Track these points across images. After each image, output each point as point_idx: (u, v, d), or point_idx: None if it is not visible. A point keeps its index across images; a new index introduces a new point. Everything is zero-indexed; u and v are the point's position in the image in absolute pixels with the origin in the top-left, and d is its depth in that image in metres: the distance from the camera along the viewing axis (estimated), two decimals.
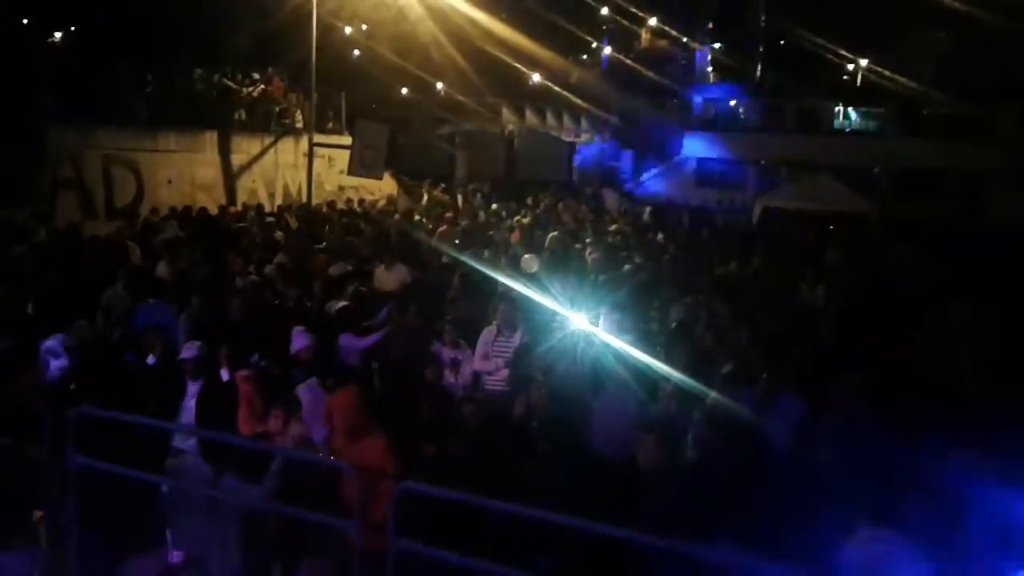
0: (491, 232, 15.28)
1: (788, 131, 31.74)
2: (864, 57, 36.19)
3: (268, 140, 20.84)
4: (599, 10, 38.50)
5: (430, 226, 15.90)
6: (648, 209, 22.29)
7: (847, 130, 33.76)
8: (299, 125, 21.54)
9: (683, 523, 4.36)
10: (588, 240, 14.28)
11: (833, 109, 33.68)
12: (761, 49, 38.66)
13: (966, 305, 8.34)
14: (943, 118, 30.05)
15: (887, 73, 33.34)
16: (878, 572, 4.01)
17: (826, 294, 10.60)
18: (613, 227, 17.88)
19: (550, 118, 34.64)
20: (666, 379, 6.52)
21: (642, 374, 6.66)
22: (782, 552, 4.19)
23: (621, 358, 6.94)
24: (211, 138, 19.40)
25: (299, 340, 7.13)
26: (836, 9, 36.82)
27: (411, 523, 4.46)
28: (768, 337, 7.97)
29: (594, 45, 39.47)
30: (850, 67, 37.78)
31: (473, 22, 29.02)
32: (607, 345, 7.28)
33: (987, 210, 25.87)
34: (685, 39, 39.64)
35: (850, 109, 34.20)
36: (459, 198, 22.31)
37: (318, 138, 20.11)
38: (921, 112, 30.52)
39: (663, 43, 40.66)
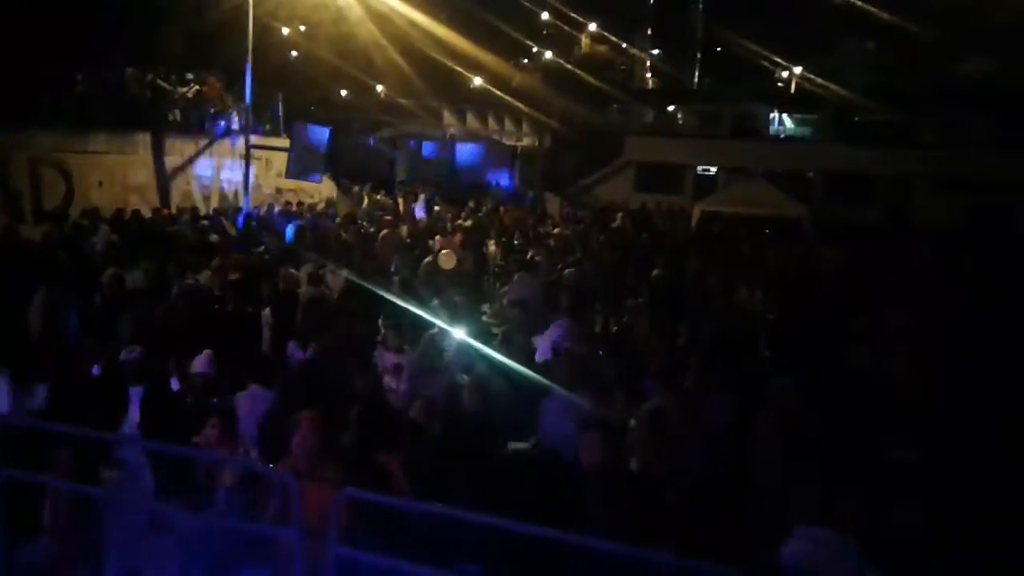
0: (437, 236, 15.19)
1: (725, 136, 32.35)
2: (798, 64, 37.09)
3: (203, 142, 20.40)
4: (539, 15, 38.70)
5: (371, 230, 15.74)
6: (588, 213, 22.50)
7: (782, 136, 34.56)
8: (235, 127, 21.13)
9: (622, 525, 4.37)
10: (518, 243, 14.26)
11: (768, 115, 34.45)
12: (699, 56, 39.33)
13: (899, 308, 8.59)
14: (873, 125, 31.01)
15: (820, 80, 34.22)
16: (816, 569, 4.09)
17: (763, 297, 10.80)
18: (555, 231, 17.97)
19: (492, 121, 34.65)
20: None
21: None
22: (723, 552, 4.24)
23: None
24: (144, 139, 18.91)
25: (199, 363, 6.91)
26: (771, 18, 37.65)
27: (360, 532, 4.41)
28: (705, 339, 8.09)
29: (535, 50, 39.64)
30: (785, 74, 38.66)
31: (414, 25, 28.89)
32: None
33: (915, 214, 26.75)
34: (624, 45, 40.10)
35: (785, 115, 35.02)
36: (400, 202, 22.16)
37: (255, 140, 19.77)
38: (853, 119, 31.42)
39: (603, 49, 41.07)
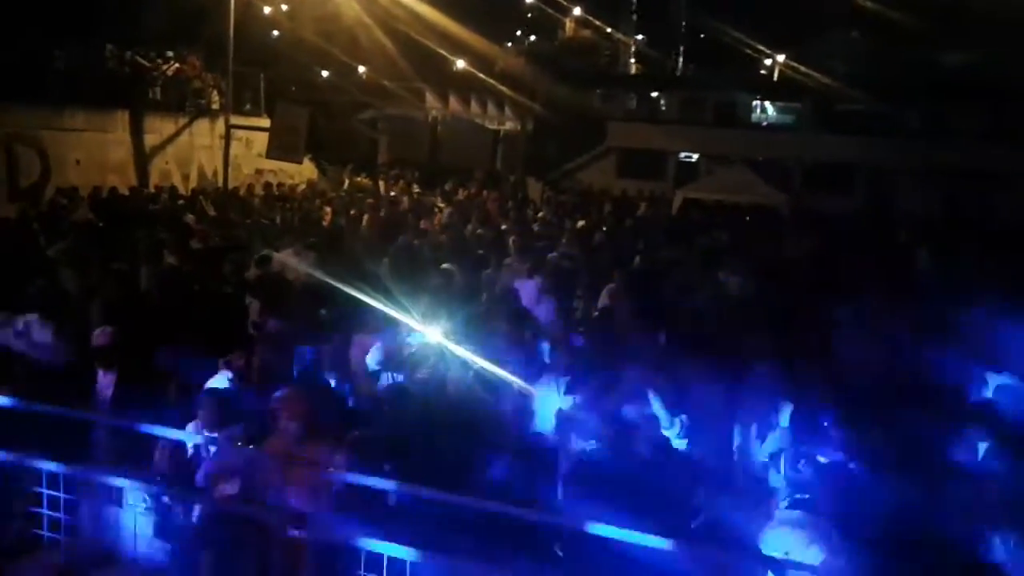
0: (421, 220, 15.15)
1: (707, 124, 32.40)
2: (781, 53, 37.13)
3: (183, 120, 20.17)
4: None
5: (351, 212, 15.67)
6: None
7: (764, 124, 34.66)
8: (216, 106, 20.90)
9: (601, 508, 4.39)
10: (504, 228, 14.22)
11: (751, 103, 34.52)
12: (682, 43, 39.32)
13: (876, 295, 8.67)
14: (856, 114, 31.16)
15: (803, 69, 34.28)
16: (793, 550, 4.14)
17: (742, 284, 10.83)
18: (538, 215, 17.97)
19: (474, 105, 34.43)
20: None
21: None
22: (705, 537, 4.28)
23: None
24: (123, 117, 18.68)
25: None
26: (755, 5, 37.65)
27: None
28: (684, 326, 8.13)
29: (519, 33, 39.44)
30: (768, 62, 38.70)
31: (399, 5, 28.61)
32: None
33: (895, 205, 26.95)
34: (609, 30, 39.98)
35: (767, 103, 35.11)
36: (381, 184, 22.05)
37: (236, 119, 19.57)
38: (835, 108, 31.54)
39: (587, 33, 40.91)
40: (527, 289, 9.39)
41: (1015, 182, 25.62)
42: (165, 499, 5.14)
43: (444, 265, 10.00)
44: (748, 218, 20.62)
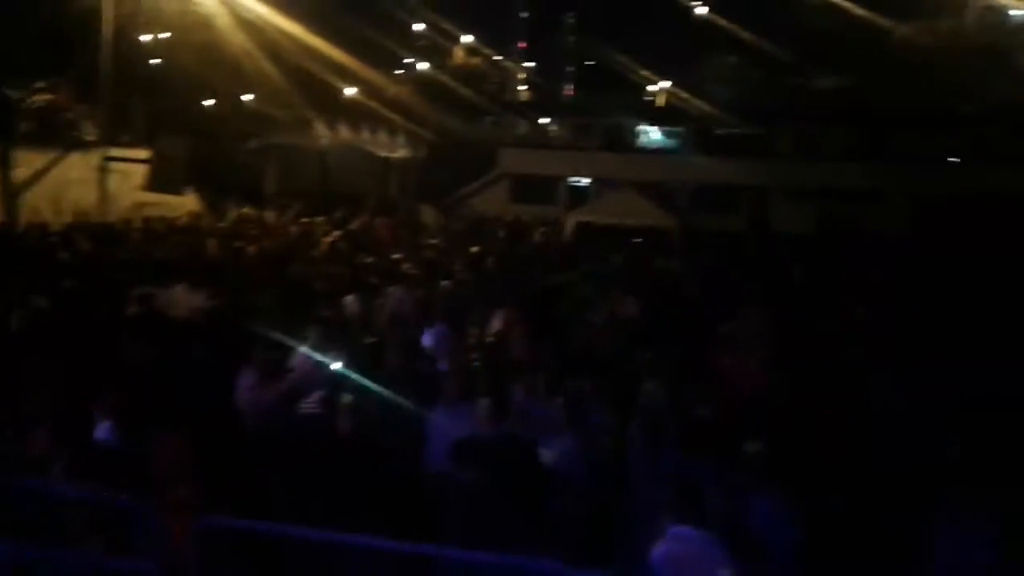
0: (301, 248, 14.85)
1: (596, 148, 33.16)
2: (666, 79, 38.48)
3: (55, 154, 19.21)
4: (413, 26, 38.60)
5: (238, 244, 15.21)
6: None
7: (650, 148, 35.73)
8: (91, 137, 20.03)
9: (496, 536, 4.36)
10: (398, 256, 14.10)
11: (637, 128, 35.57)
12: (571, 69, 40.20)
13: (760, 311, 8.99)
14: (734, 138, 32.54)
15: (685, 95, 35.58)
16: (683, 567, 4.19)
17: (637, 305, 11.03)
18: (432, 242, 17.89)
19: (365, 132, 34.19)
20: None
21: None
22: (603, 556, 4.29)
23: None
24: None
25: None
26: (640, 33, 38.97)
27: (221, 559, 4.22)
28: (578, 348, 8.22)
29: (408, 61, 39.49)
30: (652, 88, 40.03)
31: (285, 34, 28.20)
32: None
33: (773, 223, 28.17)
34: (498, 57, 40.52)
35: (653, 128, 36.24)
36: (269, 214, 21.53)
37: (113, 151, 18.80)
38: (715, 132, 32.84)
39: (476, 60, 41.37)
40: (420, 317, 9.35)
41: (881, 199, 27.26)
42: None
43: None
44: (639, 240, 21.13)
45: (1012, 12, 33.24)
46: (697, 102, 34.03)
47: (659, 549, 4.37)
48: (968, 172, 27.53)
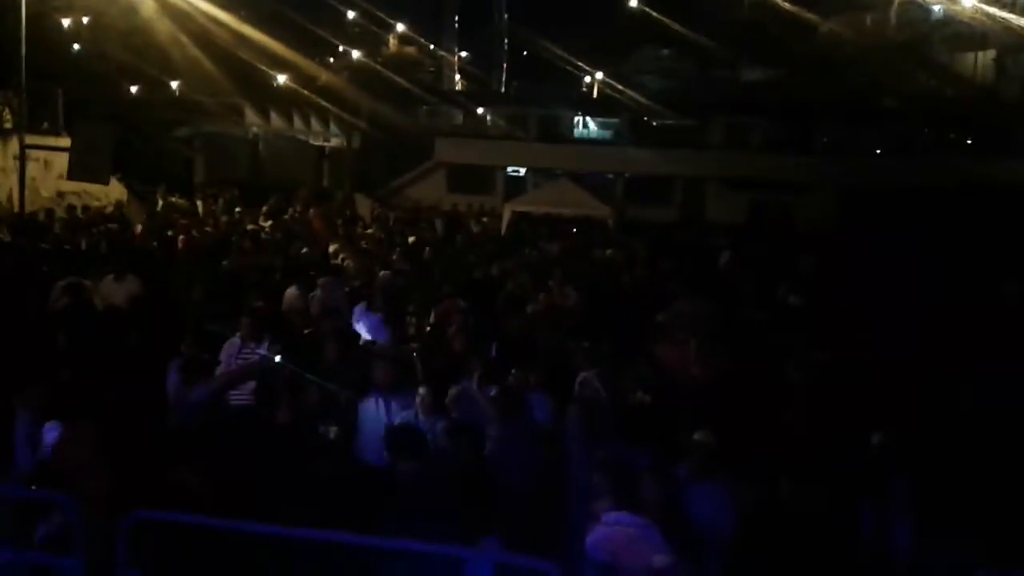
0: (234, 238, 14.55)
1: (532, 139, 33.24)
2: (600, 70, 38.70)
3: None
4: (345, 14, 38.03)
5: (168, 234, 14.83)
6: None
7: (586, 139, 35.95)
8: (8, 125, 19.24)
9: (435, 526, 4.34)
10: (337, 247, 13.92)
11: (573, 119, 35.74)
12: (505, 60, 40.18)
13: (694, 300, 9.13)
14: (667, 129, 32.99)
15: (619, 87, 35.90)
16: (619, 551, 4.24)
17: (574, 294, 11.10)
18: (368, 232, 17.72)
19: (297, 121, 33.61)
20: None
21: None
22: (542, 543, 4.31)
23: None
24: None
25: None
26: (573, 24, 39.10)
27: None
28: (516, 338, 8.23)
29: (341, 49, 38.91)
30: (587, 79, 40.23)
31: (214, 20, 27.49)
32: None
33: (707, 212, 28.70)
34: (432, 46, 40.23)
35: (588, 119, 36.46)
36: (199, 204, 21.03)
37: (31, 139, 18.07)
38: (650, 123, 33.23)
39: (411, 50, 40.98)
40: (357, 309, 9.25)
41: (808, 191, 28.03)
42: None
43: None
44: (575, 230, 21.25)
45: (933, 7, 34.40)
46: (631, 93, 34.36)
47: (595, 534, 4.41)
48: (890, 165, 28.43)
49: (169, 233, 14.88)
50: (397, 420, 6.16)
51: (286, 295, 9.88)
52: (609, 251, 15.20)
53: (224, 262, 12.13)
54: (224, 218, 18.20)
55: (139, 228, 15.98)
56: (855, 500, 4.89)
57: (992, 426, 5.72)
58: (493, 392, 6.44)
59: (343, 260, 12.76)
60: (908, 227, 20.24)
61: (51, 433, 5.48)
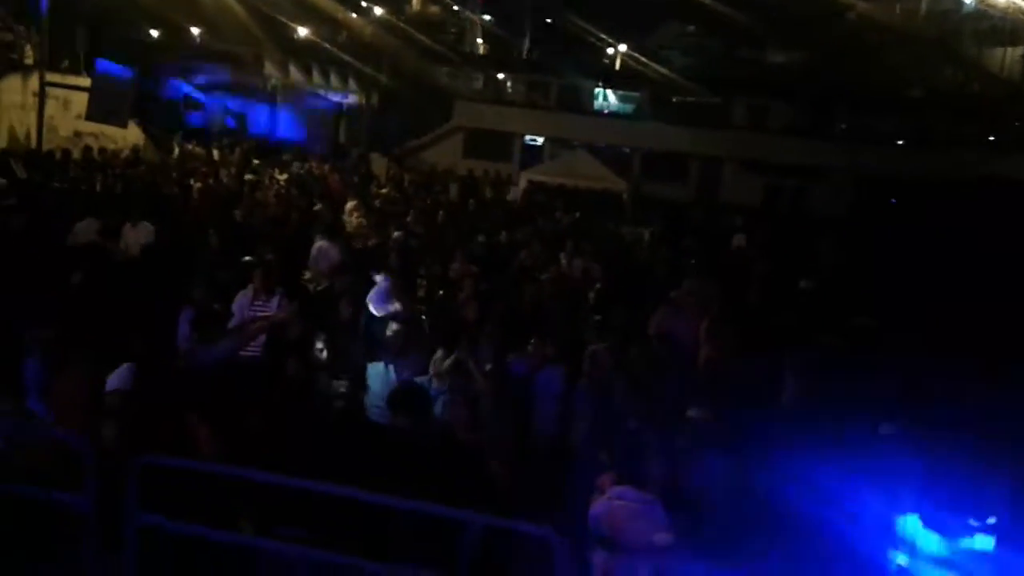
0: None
1: (552, 108, 32.97)
2: (623, 43, 38.25)
3: None
4: None
5: (188, 181, 14.84)
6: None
7: (605, 111, 35.64)
8: (29, 61, 19.16)
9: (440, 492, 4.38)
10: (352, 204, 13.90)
11: (593, 90, 35.40)
12: (529, 27, 39.69)
13: (706, 280, 9.12)
14: (689, 106, 32.63)
15: (643, 60, 35.50)
16: (621, 524, 4.28)
17: (584, 267, 11.09)
18: (383, 192, 17.70)
19: (316, 75, 33.40)
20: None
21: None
22: (541, 515, 4.34)
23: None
24: None
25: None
26: None
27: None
28: (527, 308, 8.24)
29: (364, 4, 38.52)
30: (610, 51, 39.78)
31: None
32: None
33: (723, 193, 28.53)
34: (456, 7, 39.77)
35: (609, 91, 36.11)
36: (215, 153, 20.99)
37: (52, 77, 18.02)
38: (671, 99, 32.88)
39: (435, 9, 40.53)
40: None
41: (826, 176, 27.82)
42: None
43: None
44: (590, 202, 21.18)
45: (965, 1, 33.85)
46: (653, 68, 33.99)
47: (597, 507, 4.44)
48: (910, 155, 28.14)
49: (189, 181, 14.88)
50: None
51: (320, 248, 9.82)
52: (624, 227, 15.16)
53: (238, 212, 12.14)
54: (249, 176, 18.17)
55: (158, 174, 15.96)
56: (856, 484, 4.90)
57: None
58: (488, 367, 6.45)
59: (356, 218, 12.74)
60: (923, 219, 20.14)
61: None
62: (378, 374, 6.42)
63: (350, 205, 13.46)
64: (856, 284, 10.74)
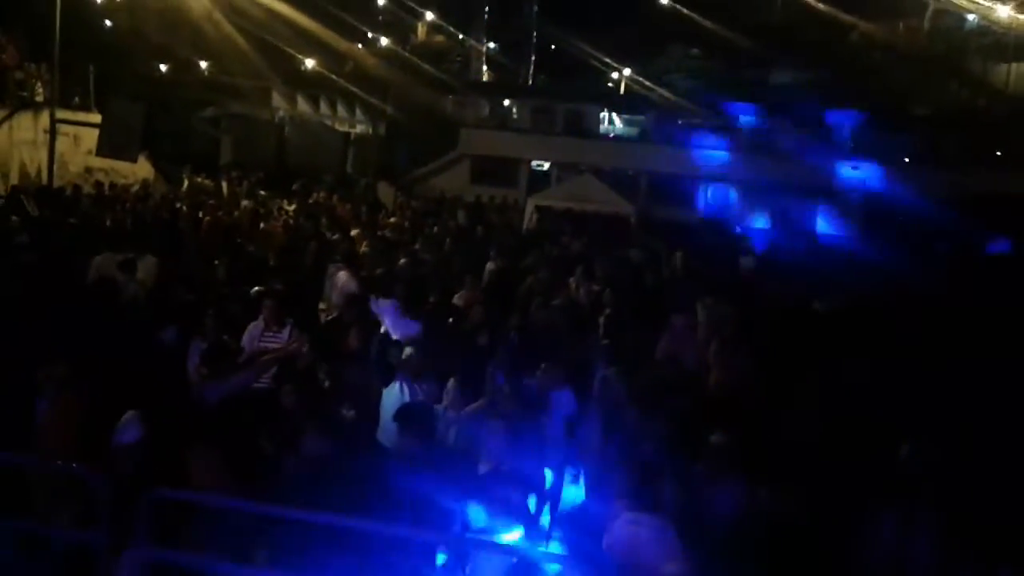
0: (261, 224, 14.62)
1: (558, 133, 33.08)
2: (627, 67, 38.50)
3: (2, 113, 18.58)
4: (375, 0, 38.10)
5: (191, 213, 14.93)
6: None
7: (611, 135, 35.75)
8: (40, 98, 19.40)
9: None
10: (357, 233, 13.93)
11: (599, 114, 35.52)
12: (533, 53, 40.02)
13: (717, 303, 9.07)
14: (694, 129, 32.69)
15: (647, 83, 35.67)
16: (637, 549, 4.24)
17: (593, 292, 11.05)
18: (391, 220, 17.76)
19: (324, 106, 33.70)
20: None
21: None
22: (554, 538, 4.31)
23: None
24: None
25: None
26: (603, 19, 38.86)
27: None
28: (536, 332, 8.23)
29: (370, 35, 38.96)
30: (615, 75, 40.03)
31: (244, 2, 27.64)
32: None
33: (729, 215, 28.48)
34: (461, 36, 40.17)
35: (614, 115, 36.24)
36: (224, 185, 21.14)
37: (62, 114, 18.22)
38: (677, 121, 32.96)
39: (440, 39, 40.93)
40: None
41: (833, 196, 27.79)
42: None
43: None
44: (598, 227, 21.18)
45: (968, 16, 33.96)
46: (657, 91, 34.16)
47: (612, 532, 4.41)
48: (917, 173, 28.09)
49: (196, 213, 14.97)
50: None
51: (338, 277, 9.84)
52: (632, 251, 15.12)
53: (248, 244, 12.20)
54: (247, 202, 18.29)
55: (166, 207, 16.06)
56: (874, 508, 4.84)
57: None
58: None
59: (364, 247, 12.78)
60: (933, 236, 20.09)
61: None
62: (393, 397, 6.41)
63: (355, 233, 13.51)
64: (870, 306, 10.67)
